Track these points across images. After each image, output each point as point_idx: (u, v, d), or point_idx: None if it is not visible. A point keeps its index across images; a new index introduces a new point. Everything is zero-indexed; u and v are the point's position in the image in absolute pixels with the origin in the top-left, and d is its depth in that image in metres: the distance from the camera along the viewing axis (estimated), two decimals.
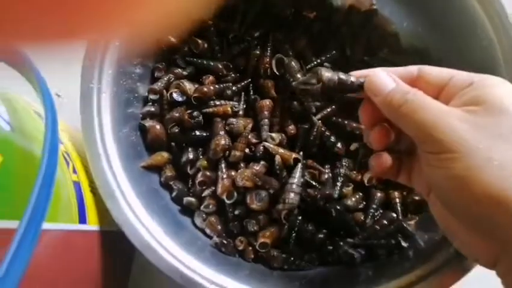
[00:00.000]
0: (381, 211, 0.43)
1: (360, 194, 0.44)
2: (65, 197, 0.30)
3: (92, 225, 0.34)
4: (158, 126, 0.44)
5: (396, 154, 0.33)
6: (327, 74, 0.31)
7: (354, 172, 0.45)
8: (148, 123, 0.44)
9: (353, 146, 0.45)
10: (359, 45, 0.48)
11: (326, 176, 0.44)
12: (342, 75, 0.31)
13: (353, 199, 0.43)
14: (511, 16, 0.37)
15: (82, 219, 0.32)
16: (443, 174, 0.25)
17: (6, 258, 0.18)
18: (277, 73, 0.45)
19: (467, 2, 0.39)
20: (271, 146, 0.44)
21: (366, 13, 0.49)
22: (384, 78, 0.29)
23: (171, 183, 0.44)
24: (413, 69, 0.30)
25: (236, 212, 0.43)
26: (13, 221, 0.21)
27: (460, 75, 0.28)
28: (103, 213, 0.37)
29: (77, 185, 0.33)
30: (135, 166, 0.42)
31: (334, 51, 0.47)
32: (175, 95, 0.44)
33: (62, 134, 0.37)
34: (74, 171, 0.34)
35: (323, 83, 0.31)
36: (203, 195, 0.43)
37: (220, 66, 0.46)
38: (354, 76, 0.31)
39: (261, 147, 0.44)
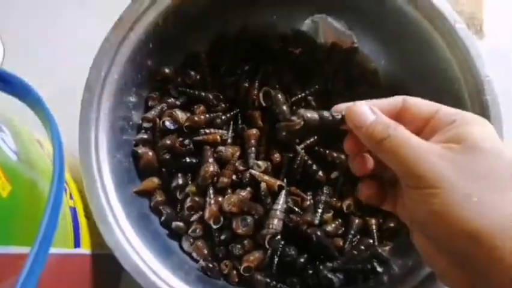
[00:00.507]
0: (358, 237, 0.45)
1: (340, 220, 0.46)
2: (63, 222, 0.32)
3: (85, 249, 0.36)
4: (150, 153, 0.46)
5: (380, 181, 0.34)
6: (307, 114, 0.32)
7: (334, 199, 0.47)
8: (141, 149, 0.46)
9: (333, 175, 0.48)
10: (340, 81, 0.52)
11: (308, 203, 0.47)
12: (323, 113, 0.32)
13: (333, 225, 0.46)
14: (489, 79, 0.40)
15: (77, 243, 0.34)
16: (424, 208, 0.26)
17: (19, 282, 0.20)
18: (264, 104, 0.48)
19: (440, 50, 0.43)
20: (257, 173, 0.46)
21: (347, 50, 0.52)
22: (364, 111, 0.29)
23: (161, 207, 0.46)
24: (398, 100, 0.31)
25: (222, 237, 0.45)
26: (22, 247, 0.23)
27: (444, 111, 0.29)
28: (95, 236, 0.38)
29: (73, 211, 0.35)
30: (127, 191, 0.43)
31: (317, 86, 0.50)
32: (167, 123, 0.47)
33: None
34: (71, 197, 0.36)
35: (304, 122, 0.32)
36: (191, 220, 0.45)
37: (211, 97, 0.49)
38: (335, 111, 0.32)
39: (248, 174, 0.46)
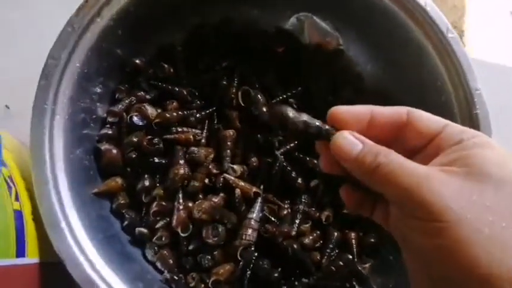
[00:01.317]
0: (337, 251, 0.43)
1: (318, 232, 0.44)
2: (3, 228, 0.27)
3: (32, 257, 0.31)
4: (114, 151, 0.42)
5: (363, 190, 0.30)
6: (292, 115, 0.28)
7: (313, 209, 0.45)
8: (104, 146, 0.42)
9: (313, 183, 0.45)
10: (323, 83, 0.49)
11: (285, 212, 0.44)
12: (314, 121, 0.28)
13: (311, 237, 0.43)
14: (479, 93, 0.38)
15: (21, 253, 0.29)
16: (426, 241, 0.23)
17: None
18: (242, 104, 0.45)
19: (430, 59, 0.41)
20: (232, 178, 0.43)
21: (332, 52, 0.50)
22: (348, 141, 0.27)
23: (123, 211, 0.42)
24: (401, 111, 0.28)
25: (190, 246, 0.41)
26: None
27: (451, 129, 0.26)
28: (44, 243, 0.34)
29: (18, 214, 0.30)
30: (85, 192, 0.39)
31: (300, 88, 0.48)
32: (135, 119, 0.43)
33: (7, 154, 0.34)
34: (17, 199, 0.31)
35: (288, 123, 0.28)
36: (157, 226, 0.42)
37: (185, 93, 0.46)
38: (332, 119, 0.28)
39: (222, 179, 0.43)
